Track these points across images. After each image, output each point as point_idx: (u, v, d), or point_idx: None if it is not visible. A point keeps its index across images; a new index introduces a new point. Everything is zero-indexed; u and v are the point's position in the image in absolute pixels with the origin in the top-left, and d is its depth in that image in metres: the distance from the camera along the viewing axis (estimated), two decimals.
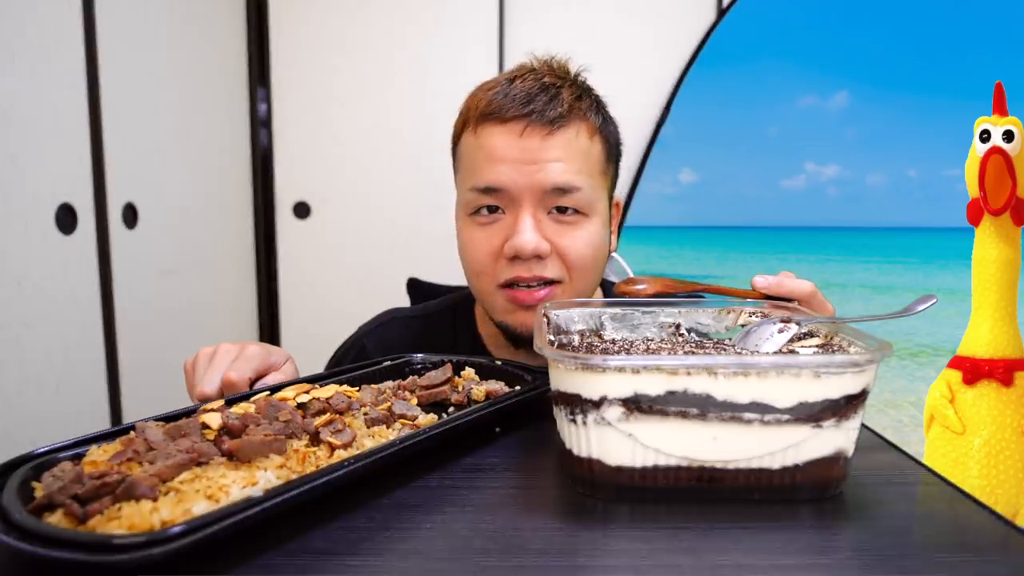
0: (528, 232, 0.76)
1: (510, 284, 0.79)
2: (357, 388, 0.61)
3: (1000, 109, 1.35)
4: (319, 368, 0.93)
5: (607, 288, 0.98)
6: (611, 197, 0.86)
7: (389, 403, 0.58)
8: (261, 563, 0.38)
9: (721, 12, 2.16)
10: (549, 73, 0.81)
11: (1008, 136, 1.30)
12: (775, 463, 0.45)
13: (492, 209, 0.79)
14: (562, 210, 0.78)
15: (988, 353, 1.33)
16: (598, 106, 0.82)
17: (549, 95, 0.77)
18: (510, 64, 0.86)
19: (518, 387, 0.65)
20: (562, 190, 0.76)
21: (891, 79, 2.18)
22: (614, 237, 0.90)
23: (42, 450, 0.45)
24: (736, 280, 2.38)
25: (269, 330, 2.27)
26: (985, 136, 1.36)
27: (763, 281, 0.69)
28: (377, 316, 0.99)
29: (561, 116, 0.76)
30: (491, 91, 0.79)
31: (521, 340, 0.82)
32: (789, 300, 0.68)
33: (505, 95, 0.77)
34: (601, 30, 2.19)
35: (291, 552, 0.39)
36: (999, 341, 1.34)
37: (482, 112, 0.78)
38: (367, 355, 0.91)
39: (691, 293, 0.74)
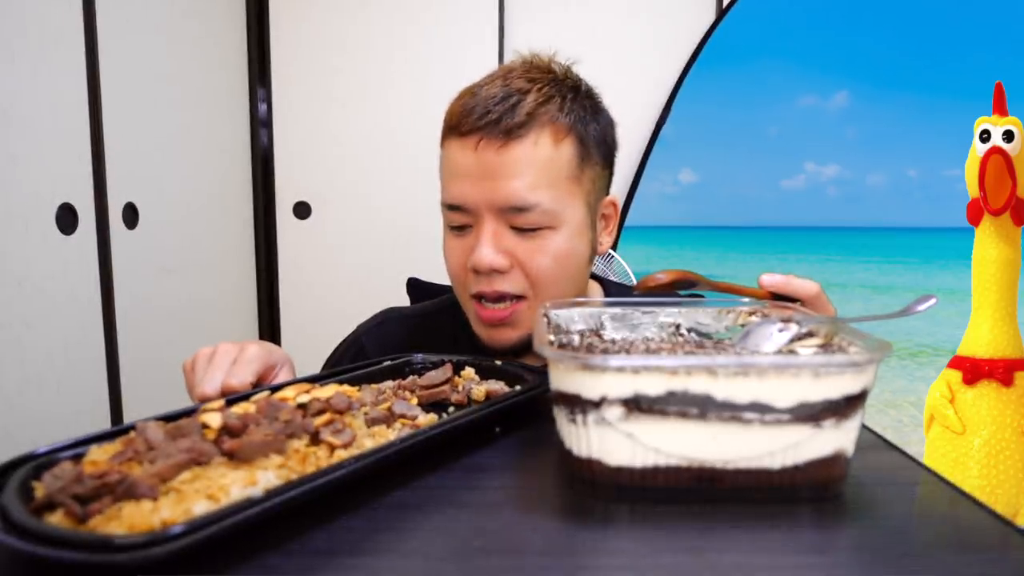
0: (484, 248, 0.75)
1: (478, 297, 0.79)
2: (357, 388, 0.61)
3: (1000, 109, 1.35)
4: (319, 368, 0.93)
5: (608, 288, 0.97)
6: (596, 199, 0.83)
7: (389, 403, 0.58)
8: (261, 563, 0.38)
9: (721, 12, 2.16)
10: (524, 75, 0.78)
11: (1008, 136, 1.30)
12: (775, 463, 0.45)
13: (463, 223, 0.79)
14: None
15: (988, 353, 1.33)
16: (575, 103, 0.79)
17: (510, 103, 0.74)
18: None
19: (518, 387, 0.65)
20: (519, 208, 0.75)
21: (891, 79, 2.18)
22: (607, 237, 0.88)
23: (43, 450, 0.45)
24: (736, 280, 2.37)
25: (269, 330, 2.27)
26: (985, 136, 1.36)
27: (770, 279, 0.69)
28: (375, 315, 0.99)
29: (518, 126, 0.74)
30: (459, 102, 0.78)
31: (495, 354, 0.81)
32: (793, 300, 0.68)
33: (465, 108, 0.76)
34: (601, 30, 2.19)
35: (291, 552, 0.39)
36: (999, 341, 1.34)
37: (447, 125, 0.78)
38: (365, 354, 0.90)
39: (693, 292, 0.74)
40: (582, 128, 0.78)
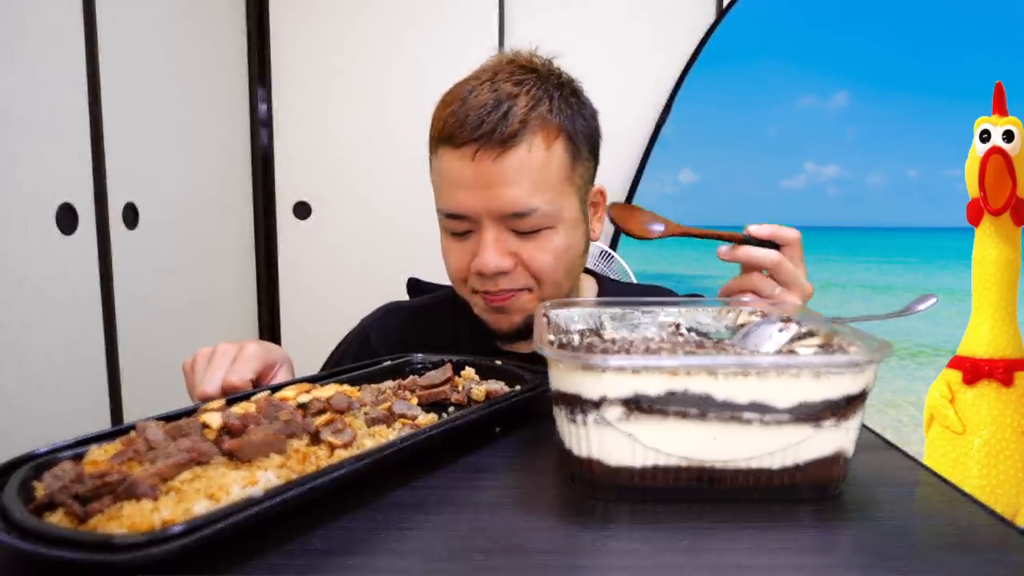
0: (488, 253, 0.77)
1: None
2: (357, 388, 0.61)
3: (1000, 109, 1.35)
4: (319, 368, 0.93)
5: (603, 282, 0.98)
6: (586, 192, 0.85)
7: (389, 403, 0.58)
8: (261, 563, 0.38)
9: (721, 12, 2.16)
10: (510, 77, 0.78)
11: (1008, 136, 1.30)
12: (775, 463, 0.45)
13: (464, 229, 0.80)
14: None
15: (988, 353, 1.33)
16: (562, 101, 0.80)
17: (502, 111, 0.75)
18: None
19: (518, 387, 0.65)
20: (518, 214, 0.76)
21: (891, 79, 2.18)
22: (598, 224, 0.90)
23: (43, 450, 0.45)
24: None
25: (269, 330, 2.27)
26: (985, 136, 1.35)
27: (757, 229, 0.71)
28: (377, 309, 1.01)
29: (512, 135, 0.75)
30: (448, 110, 0.78)
31: (499, 336, 0.85)
32: (776, 246, 0.71)
33: (458, 118, 0.76)
34: (601, 30, 2.19)
35: (291, 552, 0.39)
36: (999, 341, 1.34)
37: (439, 136, 0.79)
38: (371, 346, 0.93)
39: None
40: (571, 126, 0.80)
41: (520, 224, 0.77)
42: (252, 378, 0.68)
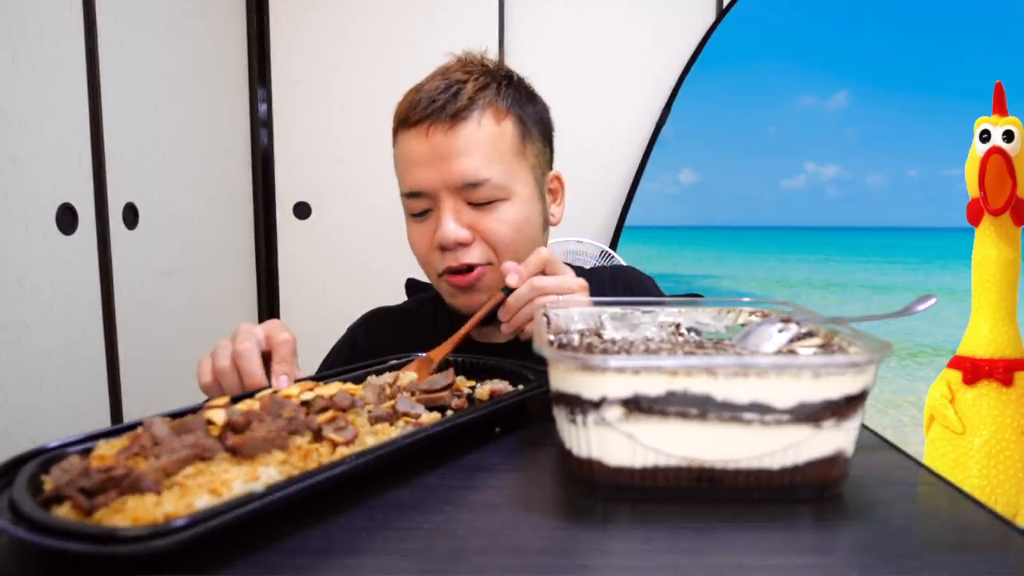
0: (447, 224, 0.80)
1: (447, 272, 0.84)
2: (360, 386, 0.61)
3: (1000, 109, 1.35)
4: (318, 367, 0.93)
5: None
6: (541, 173, 0.88)
7: (393, 401, 0.58)
8: (261, 561, 0.38)
9: (721, 12, 2.17)
10: (461, 69, 0.84)
11: (1008, 136, 1.30)
12: (775, 463, 0.45)
13: (423, 208, 0.83)
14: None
15: (988, 353, 1.33)
16: (510, 88, 0.85)
17: (451, 92, 0.81)
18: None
19: (520, 387, 0.65)
20: (472, 184, 0.80)
21: (891, 79, 2.18)
22: (558, 209, 0.93)
23: (53, 444, 0.46)
24: (736, 280, 2.38)
25: None
26: (985, 136, 1.36)
27: (514, 280, 0.73)
28: (364, 314, 1.04)
29: (462, 109, 0.80)
30: (405, 100, 0.84)
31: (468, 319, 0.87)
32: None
33: (411, 102, 0.82)
34: (601, 30, 2.19)
35: (291, 551, 0.40)
36: (999, 341, 1.34)
37: (397, 121, 0.85)
38: (359, 348, 0.96)
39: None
40: (519, 109, 0.85)
41: (474, 195, 0.80)
42: (262, 337, 0.67)
